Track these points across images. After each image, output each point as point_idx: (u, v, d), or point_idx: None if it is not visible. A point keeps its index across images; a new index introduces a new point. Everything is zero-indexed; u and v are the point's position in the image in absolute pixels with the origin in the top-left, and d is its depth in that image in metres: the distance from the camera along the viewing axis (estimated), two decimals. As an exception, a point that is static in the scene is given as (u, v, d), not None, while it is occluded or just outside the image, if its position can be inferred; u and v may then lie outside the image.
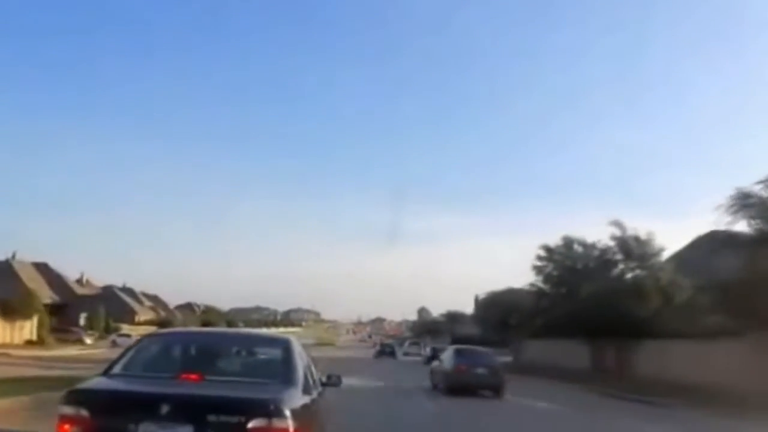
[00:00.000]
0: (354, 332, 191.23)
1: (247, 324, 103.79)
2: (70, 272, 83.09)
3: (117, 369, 5.32)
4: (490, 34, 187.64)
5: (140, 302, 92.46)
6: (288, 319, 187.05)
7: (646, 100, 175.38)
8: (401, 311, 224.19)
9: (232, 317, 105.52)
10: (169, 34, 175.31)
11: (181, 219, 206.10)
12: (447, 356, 22.39)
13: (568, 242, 35.63)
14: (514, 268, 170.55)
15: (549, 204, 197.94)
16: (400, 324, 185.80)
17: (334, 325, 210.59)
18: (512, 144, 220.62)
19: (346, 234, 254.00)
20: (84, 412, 4.46)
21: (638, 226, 31.23)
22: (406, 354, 57.02)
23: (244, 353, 6.16)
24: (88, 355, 39.35)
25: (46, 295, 69.06)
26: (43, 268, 73.66)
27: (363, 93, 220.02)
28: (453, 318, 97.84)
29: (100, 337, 63.20)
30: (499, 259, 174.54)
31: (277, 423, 4.36)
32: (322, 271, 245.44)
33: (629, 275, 31.12)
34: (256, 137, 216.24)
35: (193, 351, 5.97)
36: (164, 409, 4.37)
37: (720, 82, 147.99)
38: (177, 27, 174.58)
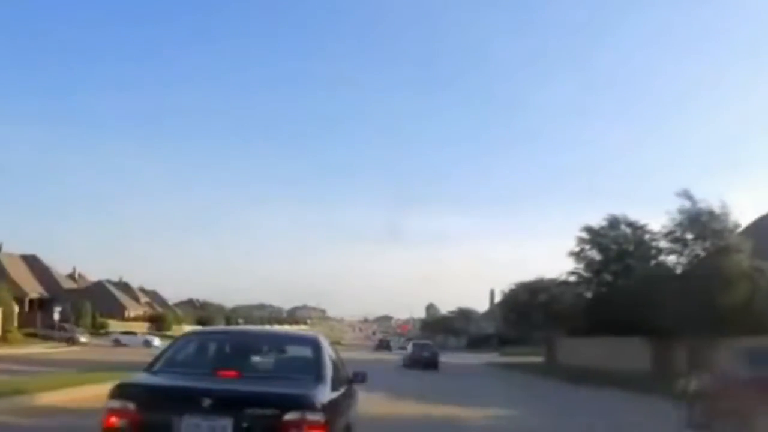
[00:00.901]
0: (360, 330, 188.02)
1: (248, 321, 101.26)
2: (68, 267, 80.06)
3: (159, 365, 5.58)
4: (500, 35, 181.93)
5: (136, 298, 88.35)
6: (293, 316, 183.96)
7: (646, 103, 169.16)
8: (408, 309, 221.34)
9: (232, 314, 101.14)
10: (172, 36, 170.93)
11: (188, 218, 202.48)
12: (409, 347, 40.23)
13: (614, 222, 30.29)
14: (526, 265, 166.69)
15: (557, 204, 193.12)
16: (407, 321, 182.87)
17: (340, 322, 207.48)
18: (522, 143, 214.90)
19: (352, 232, 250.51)
20: (130, 406, 4.70)
21: (709, 196, 25.48)
22: (401, 348, 63.89)
23: (276, 351, 6.32)
24: (52, 354, 33.59)
25: (34, 289, 64.92)
26: (31, 261, 69.49)
27: (370, 90, 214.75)
28: (465, 314, 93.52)
29: (89, 334, 58.24)
30: (507, 257, 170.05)
31: (310, 416, 4.60)
32: (328, 269, 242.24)
33: (702, 256, 25.49)
34: (261, 136, 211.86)
35: (229, 349, 6.16)
36: (206, 402, 4.62)
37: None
38: (179, 29, 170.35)
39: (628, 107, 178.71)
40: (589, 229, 30.66)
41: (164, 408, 4.68)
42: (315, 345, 5.97)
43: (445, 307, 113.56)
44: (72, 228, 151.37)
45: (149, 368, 5.57)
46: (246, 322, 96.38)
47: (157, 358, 5.76)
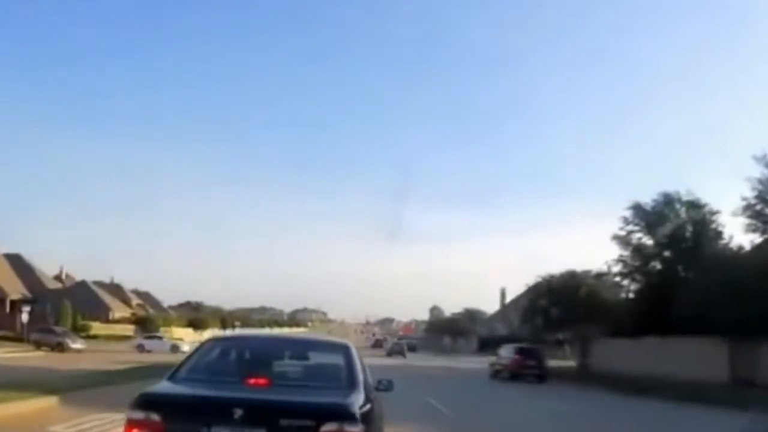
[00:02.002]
0: (362, 332, 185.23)
1: (246, 324, 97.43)
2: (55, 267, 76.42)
3: (182, 373, 5.29)
4: (500, 28, 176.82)
5: (127, 299, 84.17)
6: (294, 319, 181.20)
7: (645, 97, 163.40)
8: (410, 311, 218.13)
9: (228, 316, 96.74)
10: (170, 35, 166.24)
11: (187, 220, 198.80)
12: (390, 342, 70.85)
13: (668, 199, 25.45)
14: (534, 264, 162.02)
15: (558, 205, 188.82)
16: (409, 323, 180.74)
17: (342, 325, 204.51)
18: (522, 143, 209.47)
19: (353, 234, 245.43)
20: (154, 417, 4.44)
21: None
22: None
23: (305, 358, 6.07)
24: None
25: (16, 290, 60.73)
26: (15, 260, 65.20)
27: (372, 90, 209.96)
28: (472, 315, 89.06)
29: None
30: (514, 257, 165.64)
31: (348, 427, 4.37)
32: (329, 272, 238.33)
33: None
34: (261, 136, 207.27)
35: (256, 356, 5.89)
36: (237, 413, 4.37)
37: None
38: (178, 27, 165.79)
39: (631, 104, 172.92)
40: (637, 208, 25.77)
41: (191, 419, 4.43)
42: (346, 352, 5.77)
43: (449, 308, 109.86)
44: (69, 230, 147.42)
45: (172, 376, 5.25)
46: (243, 326, 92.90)
47: (179, 366, 5.45)
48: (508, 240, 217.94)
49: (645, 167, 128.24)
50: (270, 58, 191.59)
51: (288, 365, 5.88)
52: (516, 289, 79.46)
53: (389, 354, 55.47)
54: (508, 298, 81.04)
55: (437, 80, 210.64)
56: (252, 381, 4.97)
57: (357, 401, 4.69)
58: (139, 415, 4.43)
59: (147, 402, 4.52)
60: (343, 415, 4.36)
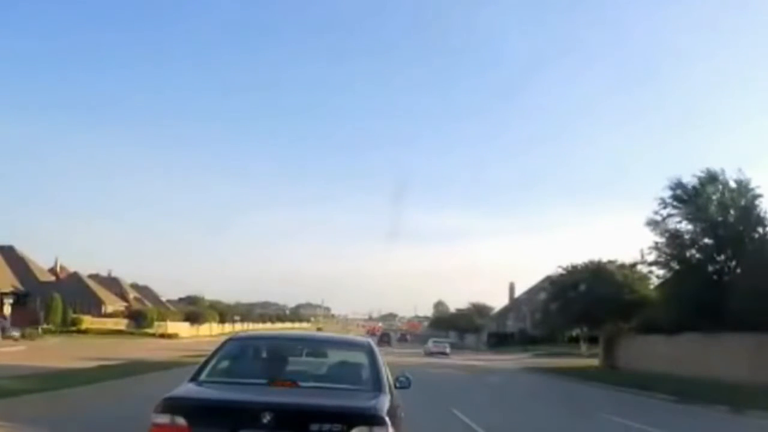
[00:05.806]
0: (364, 326, 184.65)
1: (245, 318, 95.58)
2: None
3: (204, 375, 5.21)
4: (508, 31, 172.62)
5: (123, 293, 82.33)
6: (297, 314, 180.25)
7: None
8: (413, 306, 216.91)
9: (227, 310, 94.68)
10: (178, 37, 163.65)
11: (191, 217, 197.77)
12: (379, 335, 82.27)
13: (712, 178, 22.77)
14: (539, 260, 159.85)
15: (561, 205, 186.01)
16: (412, 319, 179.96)
17: (345, 320, 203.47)
18: (521, 143, 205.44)
19: (356, 230, 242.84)
20: (181, 421, 4.39)
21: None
22: (397, 340, 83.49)
23: (328, 358, 6.14)
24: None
25: (7, 283, 58.65)
26: (8, 252, 63.17)
27: (374, 87, 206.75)
28: (479, 311, 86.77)
29: (60, 332, 51.51)
30: (515, 256, 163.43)
31: (378, 431, 4.37)
32: (332, 267, 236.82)
33: None
34: (265, 129, 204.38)
35: (279, 356, 5.90)
36: (266, 417, 4.33)
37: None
38: (184, 29, 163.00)
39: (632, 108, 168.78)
40: (679, 186, 23.02)
41: (219, 423, 4.37)
42: (369, 351, 5.71)
43: (454, 304, 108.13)
44: (69, 224, 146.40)
45: (195, 378, 5.12)
46: (243, 320, 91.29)
47: (201, 367, 5.31)
48: (513, 237, 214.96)
49: (665, 164, 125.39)
50: (270, 60, 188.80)
51: (312, 365, 5.85)
52: (525, 284, 77.83)
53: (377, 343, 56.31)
54: (518, 293, 78.99)
55: (445, 79, 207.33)
56: (278, 383, 4.96)
57: (385, 403, 4.67)
58: (165, 419, 4.38)
59: (172, 406, 4.45)
60: (373, 418, 4.35)
